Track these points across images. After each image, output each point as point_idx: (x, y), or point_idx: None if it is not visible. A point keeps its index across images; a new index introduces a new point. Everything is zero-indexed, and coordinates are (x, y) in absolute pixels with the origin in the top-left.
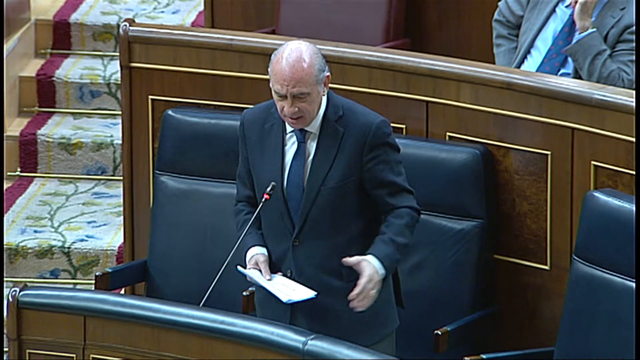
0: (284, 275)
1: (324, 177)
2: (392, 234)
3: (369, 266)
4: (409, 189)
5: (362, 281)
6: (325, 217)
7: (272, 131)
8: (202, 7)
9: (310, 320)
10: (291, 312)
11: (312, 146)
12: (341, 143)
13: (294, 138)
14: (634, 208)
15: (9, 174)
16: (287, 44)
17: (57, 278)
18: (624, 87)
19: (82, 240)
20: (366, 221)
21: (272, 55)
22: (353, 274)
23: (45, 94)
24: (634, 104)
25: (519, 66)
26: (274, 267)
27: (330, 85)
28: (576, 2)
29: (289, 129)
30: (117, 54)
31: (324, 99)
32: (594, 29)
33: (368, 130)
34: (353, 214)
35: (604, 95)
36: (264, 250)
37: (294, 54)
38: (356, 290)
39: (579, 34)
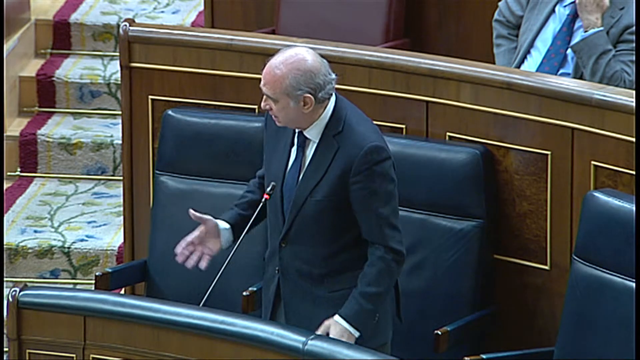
0: (274, 272)
1: (312, 189)
2: (363, 285)
3: (335, 327)
4: (392, 222)
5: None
6: (309, 226)
7: (287, 128)
8: (202, 7)
9: (288, 321)
10: (272, 310)
11: (309, 154)
12: (334, 159)
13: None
14: (634, 208)
15: (9, 174)
16: (294, 47)
17: (57, 278)
18: (625, 87)
19: (82, 240)
20: (353, 237)
21: None
22: (335, 285)
23: (45, 94)
24: (634, 104)
25: (518, 66)
26: (267, 262)
27: None
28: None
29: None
30: (117, 54)
31: (328, 110)
32: (601, 28)
33: (357, 153)
34: (338, 229)
35: (604, 95)
36: (221, 222)
37: (282, 57)
38: None
39: (584, 31)
